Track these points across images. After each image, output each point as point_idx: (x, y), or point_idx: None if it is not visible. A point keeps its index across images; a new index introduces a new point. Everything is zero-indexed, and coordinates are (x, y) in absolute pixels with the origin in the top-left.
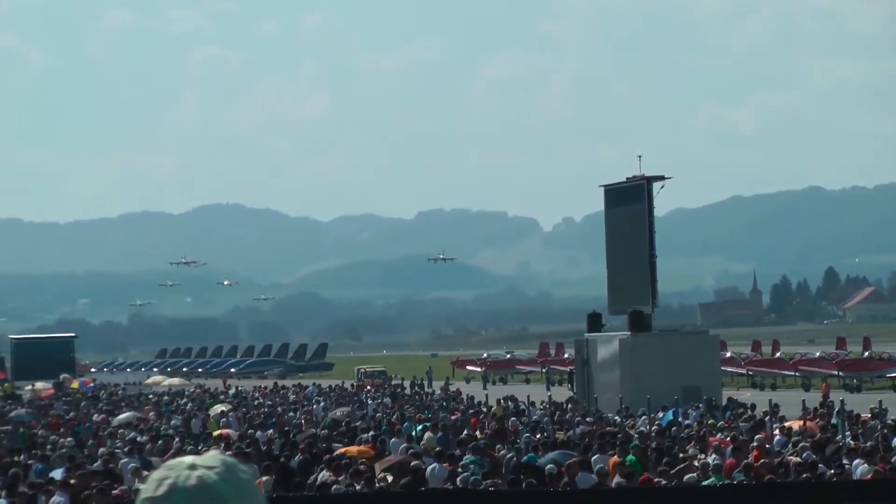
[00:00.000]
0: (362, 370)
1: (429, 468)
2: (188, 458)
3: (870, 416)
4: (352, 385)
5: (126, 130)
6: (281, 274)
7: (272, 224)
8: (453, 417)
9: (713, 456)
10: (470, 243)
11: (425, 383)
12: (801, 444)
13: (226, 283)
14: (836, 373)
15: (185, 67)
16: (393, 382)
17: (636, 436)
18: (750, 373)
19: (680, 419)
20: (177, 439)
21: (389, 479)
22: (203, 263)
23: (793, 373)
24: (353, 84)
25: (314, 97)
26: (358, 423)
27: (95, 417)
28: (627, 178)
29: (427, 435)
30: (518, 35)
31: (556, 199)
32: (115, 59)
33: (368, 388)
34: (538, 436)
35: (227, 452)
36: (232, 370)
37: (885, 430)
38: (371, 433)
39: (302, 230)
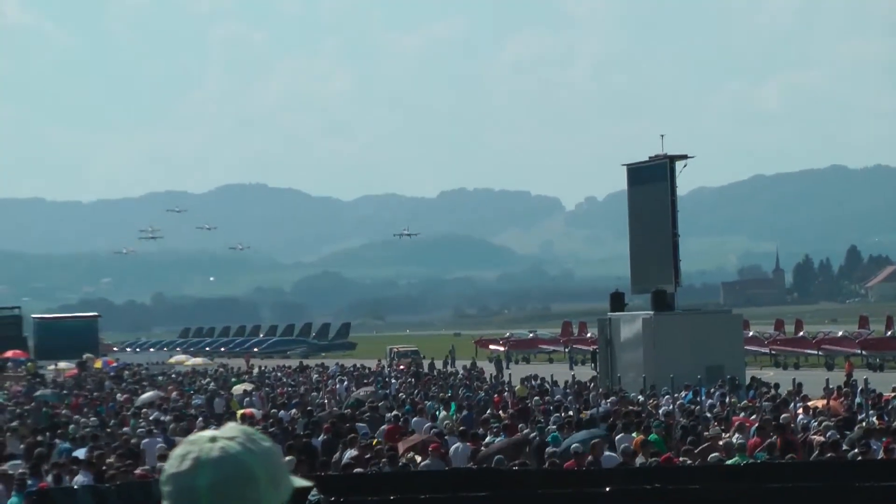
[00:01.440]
0: (395, 350)
1: (452, 447)
2: (208, 432)
3: (892, 395)
4: (378, 363)
5: (148, 109)
6: (304, 253)
7: (295, 203)
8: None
9: (736, 435)
10: (493, 222)
11: (448, 362)
12: (824, 423)
13: (238, 247)
14: (859, 352)
15: (208, 46)
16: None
17: (661, 415)
18: (773, 352)
19: (703, 398)
20: (200, 419)
21: (419, 459)
22: (160, 237)
23: (816, 352)
24: (375, 62)
25: (337, 76)
26: (381, 403)
27: (119, 397)
28: (650, 157)
29: (442, 413)
30: (541, 14)
31: (578, 177)
32: (137, 37)
33: (401, 367)
34: (562, 415)
35: None
36: (255, 350)
37: None
38: (394, 412)
39: (324, 209)
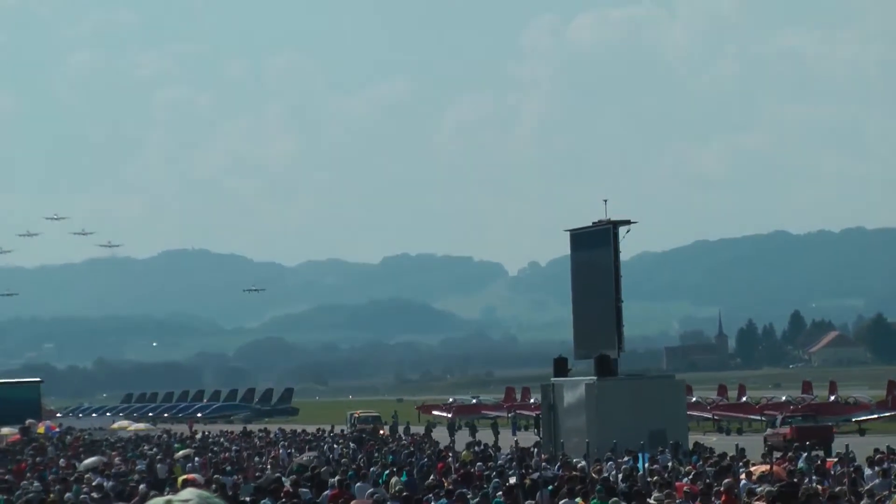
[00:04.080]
0: (356, 415)
1: None
2: (166, 496)
3: (836, 460)
4: (320, 429)
5: (91, 174)
6: (246, 318)
7: (237, 268)
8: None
9: (679, 500)
10: (436, 287)
11: (391, 427)
12: (766, 489)
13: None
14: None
15: (150, 110)
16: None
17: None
18: (716, 417)
19: (646, 464)
20: (142, 485)
21: None
22: (64, 217)
23: (759, 417)
24: (318, 127)
25: (280, 140)
26: (324, 468)
27: (62, 462)
28: (593, 223)
29: (394, 479)
30: (484, 78)
31: (521, 243)
32: (79, 101)
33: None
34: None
35: None
36: (198, 415)
37: (853, 475)
38: (337, 478)
39: (267, 274)
